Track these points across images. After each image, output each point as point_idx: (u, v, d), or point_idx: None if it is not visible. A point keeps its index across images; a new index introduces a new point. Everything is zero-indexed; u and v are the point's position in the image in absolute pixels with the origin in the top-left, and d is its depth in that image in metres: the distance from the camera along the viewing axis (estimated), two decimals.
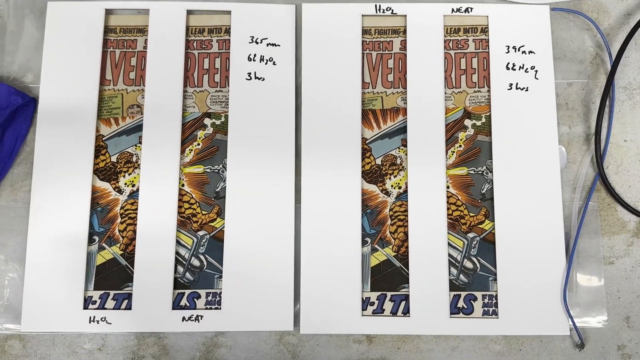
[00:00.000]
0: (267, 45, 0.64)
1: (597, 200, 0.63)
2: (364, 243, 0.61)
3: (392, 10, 0.64)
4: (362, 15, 0.64)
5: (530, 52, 0.63)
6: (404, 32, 0.64)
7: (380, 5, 0.64)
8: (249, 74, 0.63)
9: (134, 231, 0.60)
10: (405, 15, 0.64)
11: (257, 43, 0.64)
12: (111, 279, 0.60)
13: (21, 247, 0.60)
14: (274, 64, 0.63)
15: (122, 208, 0.61)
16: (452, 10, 0.64)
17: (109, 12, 0.64)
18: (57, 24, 0.63)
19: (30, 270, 0.59)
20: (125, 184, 0.61)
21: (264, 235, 0.60)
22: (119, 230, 0.61)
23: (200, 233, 0.61)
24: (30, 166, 0.61)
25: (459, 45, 0.64)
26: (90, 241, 0.60)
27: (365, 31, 0.64)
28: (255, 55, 0.63)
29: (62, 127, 0.61)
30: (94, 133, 0.61)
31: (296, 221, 0.60)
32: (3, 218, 0.61)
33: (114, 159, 0.62)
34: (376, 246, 0.61)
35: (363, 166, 0.62)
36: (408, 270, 0.60)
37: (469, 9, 0.64)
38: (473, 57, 0.64)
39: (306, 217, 0.60)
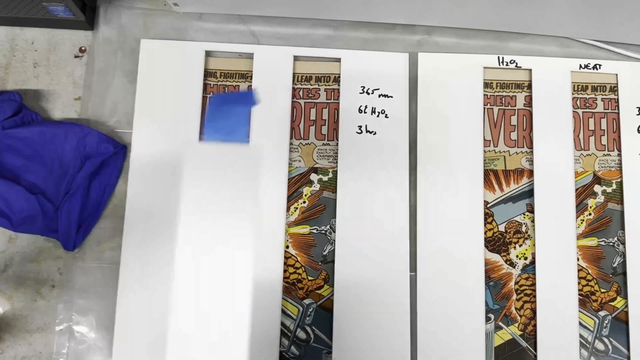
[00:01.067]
0: (379, 96, 0.58)
1: None
2: (487, 320, 0.55)
3: (516, 63, 0.59)
4: (484, 68, 0.59)
5: None
6: (529, 86, 0.59)
7: (503, 58, 0.59)
8: (360, 127, 0.58)
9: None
10: (530, 70, 0.59)
11: (368, 94, 0.58)
12: None
13: (108, 314, 0.53)
14: (386, 116, 0.58)
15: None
16: (580, 66, 0.60)
17: (208, 54, 0.59)
18: (151, 65, 0.58)
19: (119, 340, 0.52)
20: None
21: (376, 307, 0.54)
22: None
23: (307, 301, 0.55)
24: (119, 221, 0.55)
25: (587, 104, 0.59)
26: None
27: (486, 84, 0.59)
28: (366, 106, 0.58)
29: (156, 180, 0.55)
30: None
31: (412, 292, 0.55)
32: (88, 279, 0.54)
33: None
34: (500, 324, 0.55)
35: (485, 233, 0.56)
36: (535, 351, 0.54)
37: (598, 66, 0.60)
38: (602, 117, 0.59)
39: (422, 288, 0.55)
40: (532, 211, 0.57)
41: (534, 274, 0.56)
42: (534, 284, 0.56)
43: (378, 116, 0.58)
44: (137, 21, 0.60)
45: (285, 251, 0.55)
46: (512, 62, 0.59)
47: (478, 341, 0.54)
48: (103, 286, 0.54)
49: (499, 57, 0.59)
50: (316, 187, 0.57)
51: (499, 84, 0.60)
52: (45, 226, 0.53)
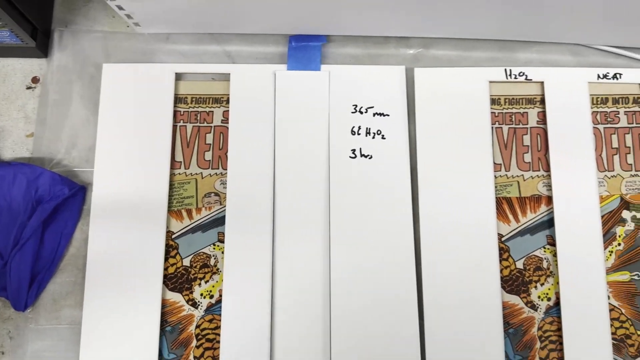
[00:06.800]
0: (374, 115, 0.52)
1: None
2: None
3: (526, 76, 0.52)
4: (489, 82, 0.52)
5: None
6: (541, 101, 0.52)
7: (511, 70, 0.53)
8: (353, 150, 0.51)
9: (213, 358, 0.47)
10: (542, 82, 0.52)
11: (361, 113, 0.51)
12: None
13: None
14: (383, 137, 0.51)
15: (197, 327, 0.48)
16: (598, 76, 0.53)
17: (178, 78, 0.52)
18: (115, 92, 0.51)
19: None
20: (202, 294, 0.48)
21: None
22: (195, 357, 0.47)
23: None
24: (78, 274, 0.48)
25: (608, 119, 0.52)
26: None
27: (493, 100, 0.53)
28: (360, 127, 0.51)
29: (121, 224, 0.48)
30: (164, 229, 0.48)
31: (422, 344, 0.47)
32: (44, 344, 0.47)
33: (186, 262, 0.49)
34: None
35: (501, 271, 0.49)
36: None
37: (618, 75, 0.53)
38: (626, 133, 0.52)
39: (431, 338, 0.47)
40: (553, 244, 0.49)
41: (559, 317, 0.48)
42: (559, 329, 0.48)
43: (374, 137, 0.51)
44: (97, 46, 0.53)
45: None
46: (521, 74, 0.52)
47: None
48: (61, 351, 0.47)
49: (506, 70, 0.53)
50: None
51: (507, 100, 0.53)
52: None
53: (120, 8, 0.46)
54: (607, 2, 0.46)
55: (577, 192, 0.50)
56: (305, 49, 0.53)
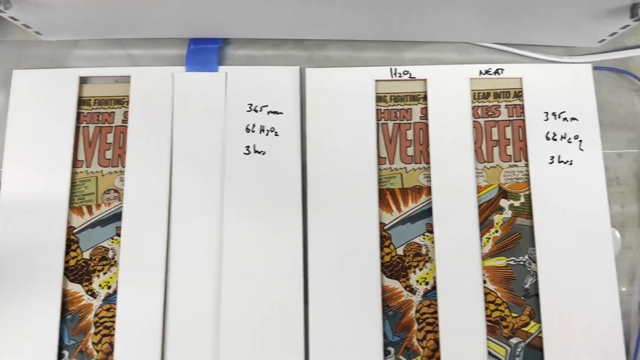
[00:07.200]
0: (269, 113, 0.55)
1: None
2: (386, 354, 0.50)
3: (410, 74, 0.55)
4: (376, 81, 0.55)
5: (573, 119, 0.54)
6: (425, 98, 0.55)
7: (396, 69, 0.56)
8: (247, 147, 0.54)
9: (110, 344, 0.50)
10: (425, 80, 0.55)
11: (256, 111, 0.55)
12: None
13: None
14: (276, 134, 0.54)
15: (96, 315, 0.51)
16: (480, 72, 0.56)
17: (83, 82, 0.56)
18: (24, 97, 0.54)
19: None
20: (100, 285, 0.51)
21: None
22: (93, 343, 0.51)
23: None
24: None
25: (490, 113, 0.55)
26: (59, 357, 0.50)
27: (379, 98, 0.55)
28: (254, 125, 0.54)
29: (27, 219, 0.52)
30: (64, 225, 0.52)
31: (305, 327, 0.50)
32: None
33: (86, 255, 0.52)
34: (401, 357, 0.50)
35: (382, 257, 0.52)
36: None
37: (500, 70, 0.56)
38: (506, 125, 0.55)
39: (314, 321, 0.50)
40: (432, 231, 0.52)
41: (436, 300, 0.51)
42: (436, 312, 0.51)
43: (267, 134, 0.54)
44: (8, 54, 0.57)
45: None
46: (405, 72, 0.55)
47: None
48: None
49: (391, 69, 0.56)
50: None
51: (393, 97, 0.56)
52: None
53: (15, 19, 0.49)
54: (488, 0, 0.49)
55: (455, 182, 0.53)
56: (202, 52, 0.56)
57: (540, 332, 0.50)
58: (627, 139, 0.56)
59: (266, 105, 0.55)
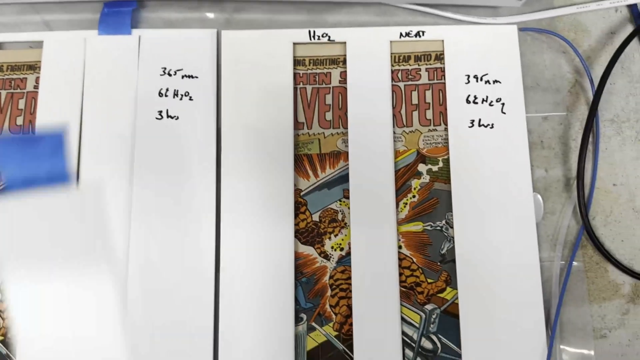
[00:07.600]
0: (183, 77, 0.53)
1: (582, 260, 0.52)
2: (298, 321, 0.49)
3: (329, 37, 0.54)
4: (294, 44, 0.54)
5: (496, 81, 0.53)
6: (344, 62, 0.54)
7: (314, 32, 0.54)
8: (160, 112, 0.53)
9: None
10: (345, 43, 0.54)
11: (170, 75, 0.53)
12: None
13: None
14: (190, 99, 0.53)
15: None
16: (401, 34, 0.54)
17: None
18: None
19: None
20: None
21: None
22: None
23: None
24: None
25: (410, 76, 0.54)
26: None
27: (298, 62, 0.54)
28: (167, 89, 0.53)
29: None
30: None
31: (216, 290, 0.49)
32: None
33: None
34: (314, 324, 0.50)
35: (297, 224, 0.51)
36: (352, 354, 0.48)
37: (421, 33, 0.54)
38: (427, 89, 0.54)
39: (225, 287, 0.49)
40: (348, 197, 0.51)
41: (350, 266, 0.50)
42: (350, 278, 0.50)
43: (181, 99, 0.53)
44: None
45: None
46: (324, 35, 0.54)
47: (287, 345, 0.48)
48: None
49: (310, 31, 0.54)
50: None
51: (312, 61, 0.54)
52: None
53: None
54: None
55: (373, 147, 0.52)
56: (116, 15, 0.54)
57: (457, 298, 0.50)
58: (553, 102, 0.54)
59: (180, 69, 0.54)
